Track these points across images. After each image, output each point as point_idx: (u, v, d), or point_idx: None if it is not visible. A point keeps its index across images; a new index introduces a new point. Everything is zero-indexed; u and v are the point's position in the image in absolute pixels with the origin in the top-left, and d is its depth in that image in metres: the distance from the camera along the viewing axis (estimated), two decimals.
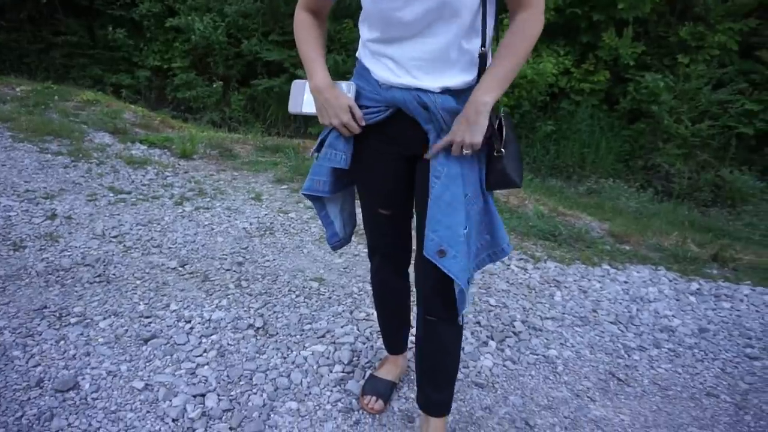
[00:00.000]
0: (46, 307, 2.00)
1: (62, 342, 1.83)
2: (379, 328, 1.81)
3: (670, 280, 2.81)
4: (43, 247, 2.42)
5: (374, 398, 1.68)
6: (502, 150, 1.20)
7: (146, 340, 1.89)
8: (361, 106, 1.29)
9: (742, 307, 2.60)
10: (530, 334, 2.18)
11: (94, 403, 1.59)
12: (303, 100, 1.33)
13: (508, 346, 2.08)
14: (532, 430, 1.66)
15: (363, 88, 1.29)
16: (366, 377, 1.79)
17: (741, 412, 1.85)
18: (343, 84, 1.30)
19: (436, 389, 1.48)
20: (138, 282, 2.26)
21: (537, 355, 2.05)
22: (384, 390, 1.71)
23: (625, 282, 2.74)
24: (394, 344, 1.78)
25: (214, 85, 6.90)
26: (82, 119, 4.51)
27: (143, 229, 2.73)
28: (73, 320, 1.95)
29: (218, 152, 4.22)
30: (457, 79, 1.20)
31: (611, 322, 2.33)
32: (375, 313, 1.77)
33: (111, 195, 3.11)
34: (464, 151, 1.19)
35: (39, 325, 1.90)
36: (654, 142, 6.05)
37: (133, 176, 3.47)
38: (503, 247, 1.32)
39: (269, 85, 6.72)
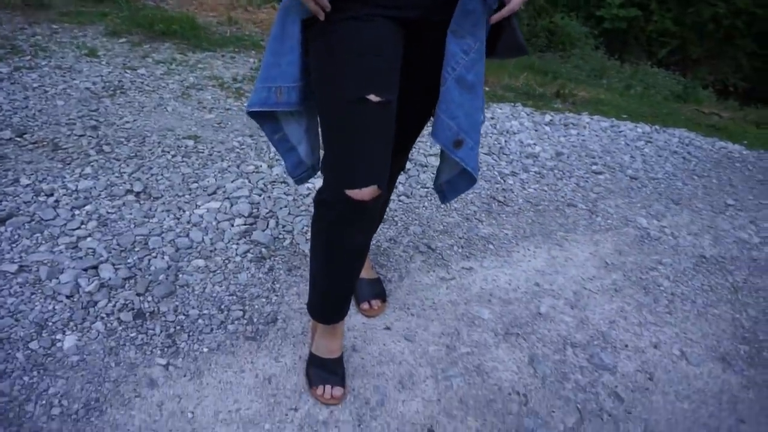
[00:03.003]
0: None
1: None
2: (313, 281, 1.21)
3: (528, 114, 3.07)
4: None
5: (328, 387, 1.21)
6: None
7: (3, 221, 1.61)
8: None
9: (585, 133, 2.97)
10: (418, 170, 2.28)
11: None
12: None
13: (400, 182, 2.16)
14: (434, 252, 1.80)
15: None
16: (307, 361, 1.28)
17: (593, 215, 2.20)
18: None
19: None
20: None
21: (427, 188, 2.17)
22: (336, 369, 1.25)
23: (492, 118, 2.93)
24: (338, 311, 1.22)
25: None
26: None
27: None
28: None
29: (21, 0, 3.41)
30: None
31: (486, 154, 2.52)
32: (311, 265, 1.17)
33: None
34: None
35: None
36: None
37: None
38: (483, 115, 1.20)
39: None
